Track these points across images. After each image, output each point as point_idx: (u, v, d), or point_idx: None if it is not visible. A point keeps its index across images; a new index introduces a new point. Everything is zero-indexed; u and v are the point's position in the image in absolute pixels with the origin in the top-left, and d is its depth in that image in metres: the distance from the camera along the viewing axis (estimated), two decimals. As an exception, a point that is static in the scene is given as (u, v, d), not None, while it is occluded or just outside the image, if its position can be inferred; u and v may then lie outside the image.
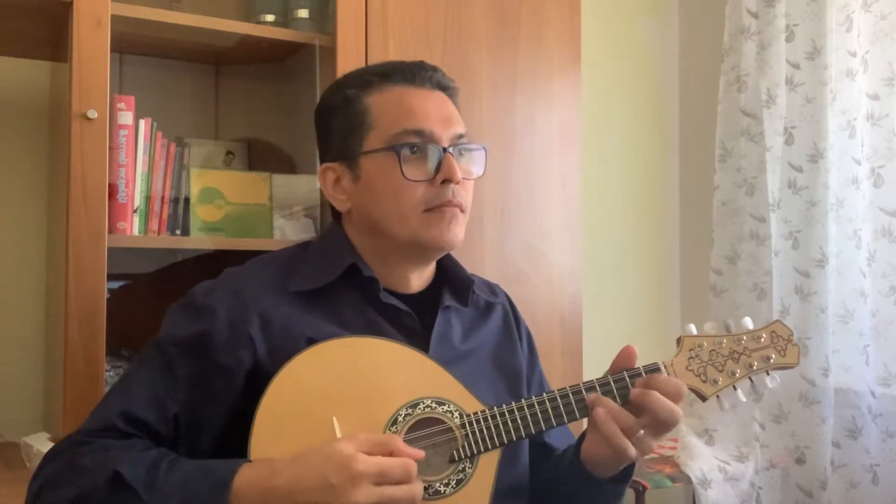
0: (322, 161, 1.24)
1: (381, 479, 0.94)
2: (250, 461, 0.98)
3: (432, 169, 1.14)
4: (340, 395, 1.03)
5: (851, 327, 2.26)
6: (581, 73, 2.02)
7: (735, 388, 1.14)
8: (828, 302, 2.28)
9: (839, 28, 2.28)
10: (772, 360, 1.15)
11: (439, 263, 1.26)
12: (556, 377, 1.86)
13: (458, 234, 1.16)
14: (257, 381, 1.04)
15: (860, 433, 2.22)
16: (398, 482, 0.95)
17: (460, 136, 1.17)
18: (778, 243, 2.38)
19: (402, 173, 1.12)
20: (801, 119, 2.35)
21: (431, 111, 1.16)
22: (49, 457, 1.04)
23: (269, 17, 1.81)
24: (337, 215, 1.25)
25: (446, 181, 1.13)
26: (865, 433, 2.21)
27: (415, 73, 1.19)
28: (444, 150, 1.14)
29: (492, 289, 1.34)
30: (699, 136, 2.81)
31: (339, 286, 1.15)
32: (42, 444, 1.44)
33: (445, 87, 1.21)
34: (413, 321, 1.16)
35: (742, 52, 2.45)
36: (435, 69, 1.21)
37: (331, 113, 1.22)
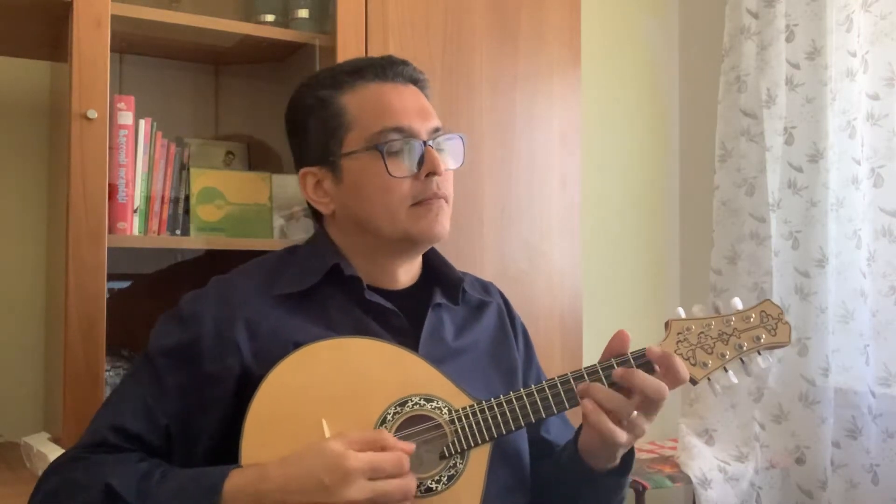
0: (299, 166, 1.23)
1: (374, 475, 0.94)
2: (241, 466, 0.98)
3: (415, 164, 1.15)
4: (329, 397, 1.03)
5: (851, 327, 2.26)
6: (581, 73, 2.02)
7: (726, 370, 1.12)
8: (828, 302, 2.28)
9: (839, 28, 2.28)
10: (762, 340, 1.13)
11: (428, 262, 1.26)
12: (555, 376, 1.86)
13: (445, 225, 1.17)
14: (247, 387, 1.04)
15: (860, 433, 2.22)
16: (390, 476, 0.95)
17: (437, 130, 1.18)
18: (778, 243, 2.38)
19: (388, 171, 1.13)
20: (801, 119, 2.35)
21: (408, 105, 1.16)
22: (45, 475, 1.05)
23: (269, 17, 1.81)
24: (318, 218, 1.25)
25: (430, 174, 1.14)
26: (865, 433, 2.21)
27: (386, 69, 1.19)
28: (425, 143, 1.15)
29: (485, 287, 1.33)
30: (699, 136, 2.81)
31: (325, 288, 1.15)
32: (42, 444, 1.44)
33: (417, 80, 1.21)
34: (400, 320, 1.16)
35: (742, 52, 2.45)
36: (405, 63, 1.21)
37: (304, 116, 1.21)
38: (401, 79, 1.19)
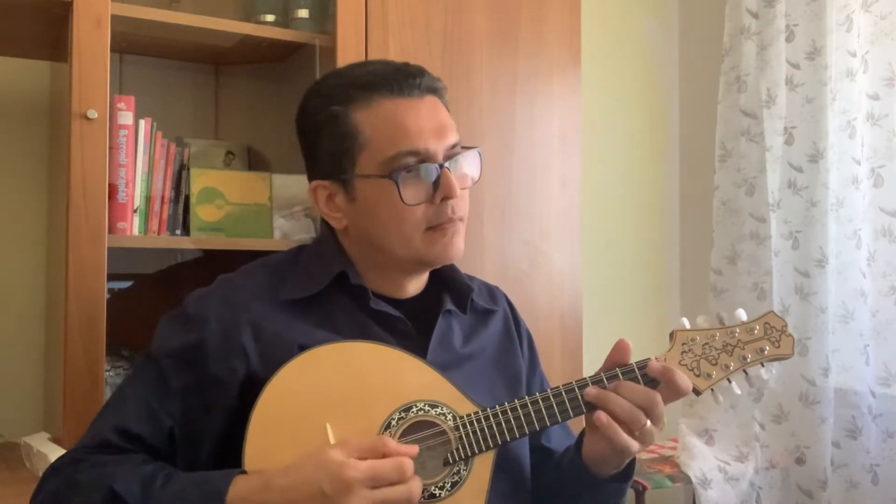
0: (311, 177, 1.20)
1: (375, 483, 0.93)
2: (245, 472, 0.98)
3: (430, 187, 1.12)
4: (333, 401, 1.03)
5: (851, 327, 2.26)
6: (581, 73, 2.02)
7: (730, 382, 1.13)
8: (828, 302, 2.28)
9: (839, 28, 2.28)
10: (766, 352, 1.13)
11: (436, 269, 1.25)
12: (555, 377, 1.85)
13: (460, 247, 1.16)
14: (251, 390, 1.04)
15: (860, 433, 2.22)
16: (392, 483, 0.94)
17: (454, 146, 1.14)
18: (778, 243, 2.38)
19: (402, 200, 1.10)
20: (801, 119, 2.35)
21: (424, 125, 1.12)
22: (47, 475, 1.04)
23: (269, 17, 1.81)
24: (328, 224, 1.23)
25: (445, 198, 1.12)
26: (865, 433, 2.21)
27: (401, 83, 1.12)
28: (441, 166, 1.12)
29: (492, 293, 1.32)
30: (699, 136, 2.81)
31: (330, 293, 1.14)
32: (42, 444, 1.44)
33: (434, 90, 1.16)
34: (406, 326, 1.15)
35: (742, 52, 2.45)
36: (421, 72, 1.15)
37: (316, 130, 1.17)
38: (417, 91, 1.13)
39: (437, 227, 1.13)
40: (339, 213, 1.17)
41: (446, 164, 1.12)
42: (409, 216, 1.11)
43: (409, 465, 0.96)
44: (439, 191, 1.11)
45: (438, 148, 1.12)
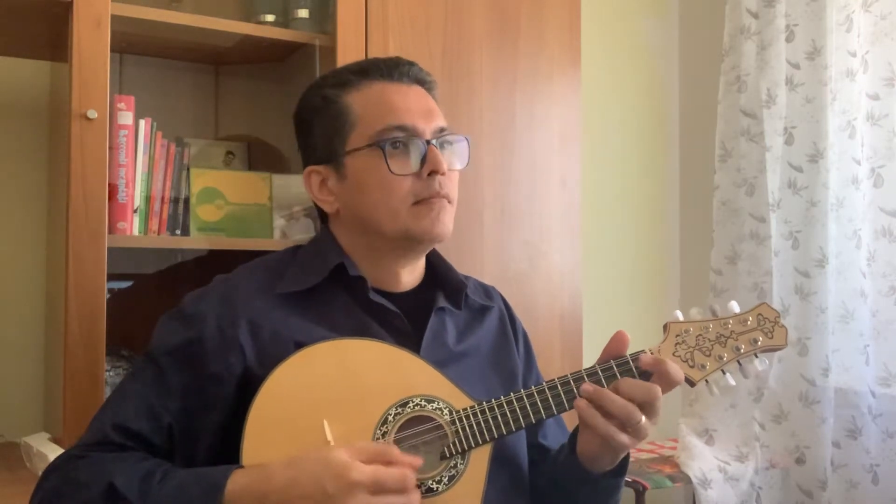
0: (305, 164, 1.23)
1: (377, 489, 0.94)
2: (243, 466, 0.98)
3: (417, 162, 1.15)
4: (330, 398, 1.04)
5: (851, 327, 2.26)
6: (581, 73, 2.02)
7: (724, 373, 1.13)
8: (828, 302, 2.28)
9: (839, 28, 2.28)
10: (759, 343, 1.14)
11: (431, 265, 1.26)
12: (554, 377, 1.86)
13: (447, 225, 1.17)
14: (248, 387, 1.04)
15: (860, 433, 2.22)
16: (394, 492, 0.95)
17: (442, 130, 1.18)
18: (778, 243, 2.38)
19: (389, 168, 1.13)
20: (801, 119, 2.35)
21: (412, 105, 1.17)
22: (47, 472, 1.05)
23: (269, 17, 1.81)
24: (324, 218, 1.25)
25: (433, 173, 1.14)
26: (865, 433, 2.21)
27: (392, 69, 1.19)
28: (428, 142, 1.15)
29: (487, 291, 1.33)
30: (699, 136, 2.81)
31: (328, 288, 1.15)
32: (42, 444, 1.44)
33: (423, 82, 1.22)
34: (402, 322, 1.16)
35: (742, 52, 2.45)
36: (411, 64, 1.21)
37: (311, 115, 1.22)
38: (406, 79, 1.20)
39: (424, 201, 1.15)
40: (331, 197, 1.20)
41: (433, 142, 1.15)
42: (397, 188, 1.14)
43: (411, 476, 0.96)
44: (426, 165, 1.14)
45: (426, 127, 1.16)
